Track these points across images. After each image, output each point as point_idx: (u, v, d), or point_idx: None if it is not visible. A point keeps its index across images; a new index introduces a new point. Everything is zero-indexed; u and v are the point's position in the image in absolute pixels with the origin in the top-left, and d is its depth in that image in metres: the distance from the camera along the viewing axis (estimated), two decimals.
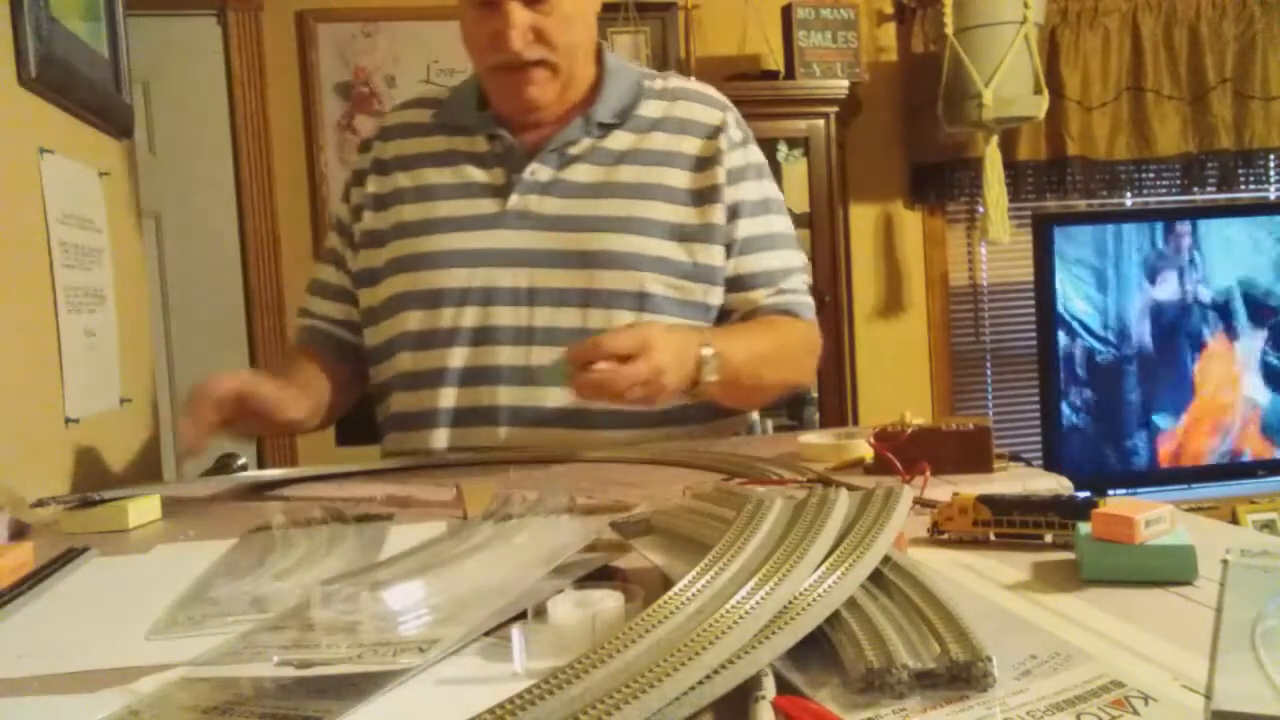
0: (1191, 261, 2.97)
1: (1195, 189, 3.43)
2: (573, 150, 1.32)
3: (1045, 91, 2.91)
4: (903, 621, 0.49)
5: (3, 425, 1.09)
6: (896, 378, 3.38)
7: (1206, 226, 2.99)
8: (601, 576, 0.63)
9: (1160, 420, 2.99)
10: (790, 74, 2.98)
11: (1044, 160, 3.34)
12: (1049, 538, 0.68)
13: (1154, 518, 0.61)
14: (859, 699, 0.44)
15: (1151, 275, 2.96)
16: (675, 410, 1.28)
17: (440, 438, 1.30)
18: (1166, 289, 2.97)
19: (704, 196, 1.32)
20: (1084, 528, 0.63)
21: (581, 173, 1.32)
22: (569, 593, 0.56)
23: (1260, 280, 3.00)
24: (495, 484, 0.99)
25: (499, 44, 1.24)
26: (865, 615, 0.49)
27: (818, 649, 0.48)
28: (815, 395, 2.94)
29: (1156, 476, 3.00)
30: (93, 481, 1.31)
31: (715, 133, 1.35)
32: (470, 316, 1.29)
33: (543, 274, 1.28)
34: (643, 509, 0.77)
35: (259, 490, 1.14)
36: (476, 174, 1.34)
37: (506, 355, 1.28)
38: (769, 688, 0.44)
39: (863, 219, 3.39)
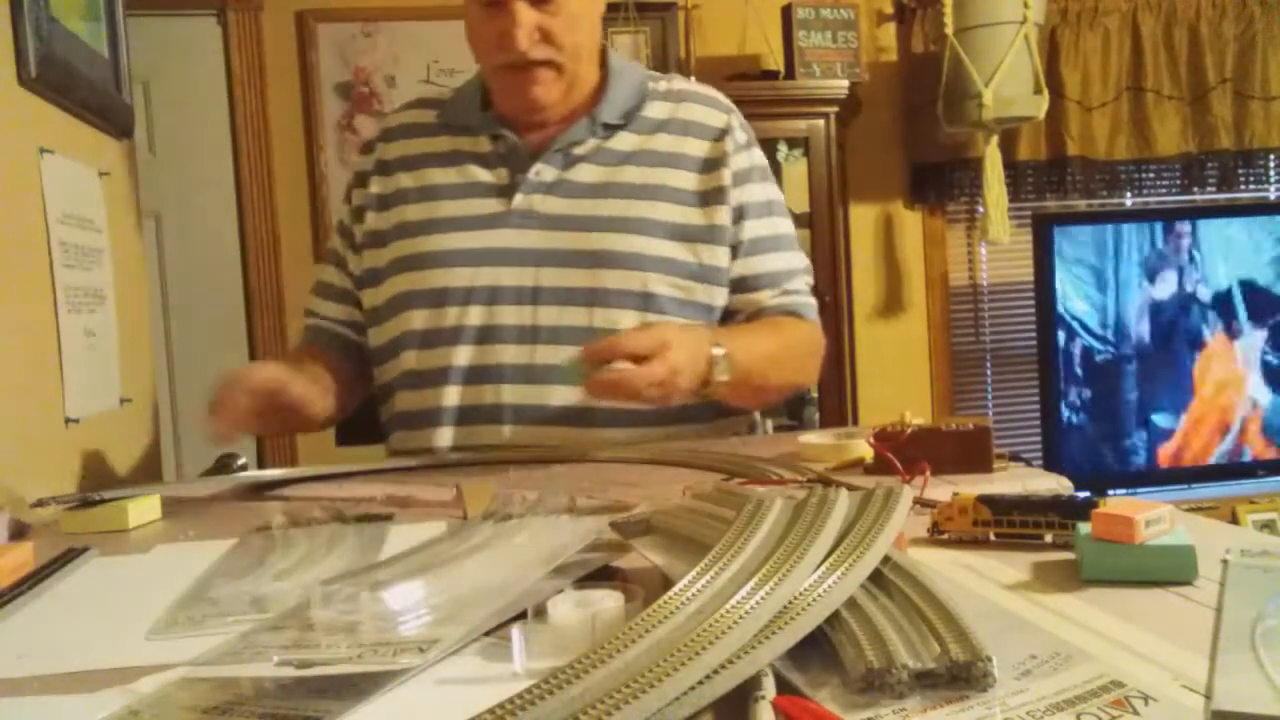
0: (1191, 261, 2.97)
1: (1195, 189, 3.43)
2: (577, 150, 1.33)
3: (1045, 91, 2.91)
4: (903, 621, 0.49)
5: (3, 425, 1.09)
6: (896, 378, 3.38)
7: (1206, 226, 2.99)
8: (601, 576, 0.63)
9: (1160, 420, 2.99)
10: (790, 74, 2.98)
11: (1044, 160, 3.34)
12: (1049, 538, 0.68)
13: (1154, 518, 0.61)
14: (859, 699, 0.44)
15: (1151, 275, 2.96)
16: (679, 409, 1.28)
17: (444, 436, 1.30)
18: (1166, 289, 2.97)
19: (709, 198, 1.33)
20: (1084, 528, 0.63)
21: (586, 173, 1.32)
22: (569, 593, 0.56)
23: (1260, 280, 3.00)
24: (495, 484, 0.99)
25: (505, 44, 1.25)
26: (865, 615, 0.49)
27: (818, 649, 0.48)
28: (815, 395, 2.94)
29: (1156, 476, 3.00)
30: (93, 481, 1.31)
31: (721, 135, 1.36)
32: (475, 315, 1.29)
33: (547, 273, 1.28)
34: (643, 509, 0.77)
35: (259, 490, 1.14)
36: (480, 174, 1.34)
37: (511, 354, 1.28)
38: (769, 688, 0.44)
39: (863, 219, 3.39)
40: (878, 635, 0.46)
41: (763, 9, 3.12)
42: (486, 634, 0.55)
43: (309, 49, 3.05)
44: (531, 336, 1.28)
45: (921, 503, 0.80)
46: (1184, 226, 2.97)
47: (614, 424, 1.28)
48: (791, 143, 2.97)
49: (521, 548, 0.69)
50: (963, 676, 0.44)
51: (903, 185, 3.41)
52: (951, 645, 0.45)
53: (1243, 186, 3.46)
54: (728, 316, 1.37)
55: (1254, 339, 3.01)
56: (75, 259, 1.32)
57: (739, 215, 1.34)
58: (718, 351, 1.18)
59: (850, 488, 0.65)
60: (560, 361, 1.23)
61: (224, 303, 3.02)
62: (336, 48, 3.06)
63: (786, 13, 2.99)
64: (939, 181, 3.35)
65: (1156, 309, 2.96)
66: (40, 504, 0.98)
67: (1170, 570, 0.59)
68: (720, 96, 1.42)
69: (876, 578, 0.53)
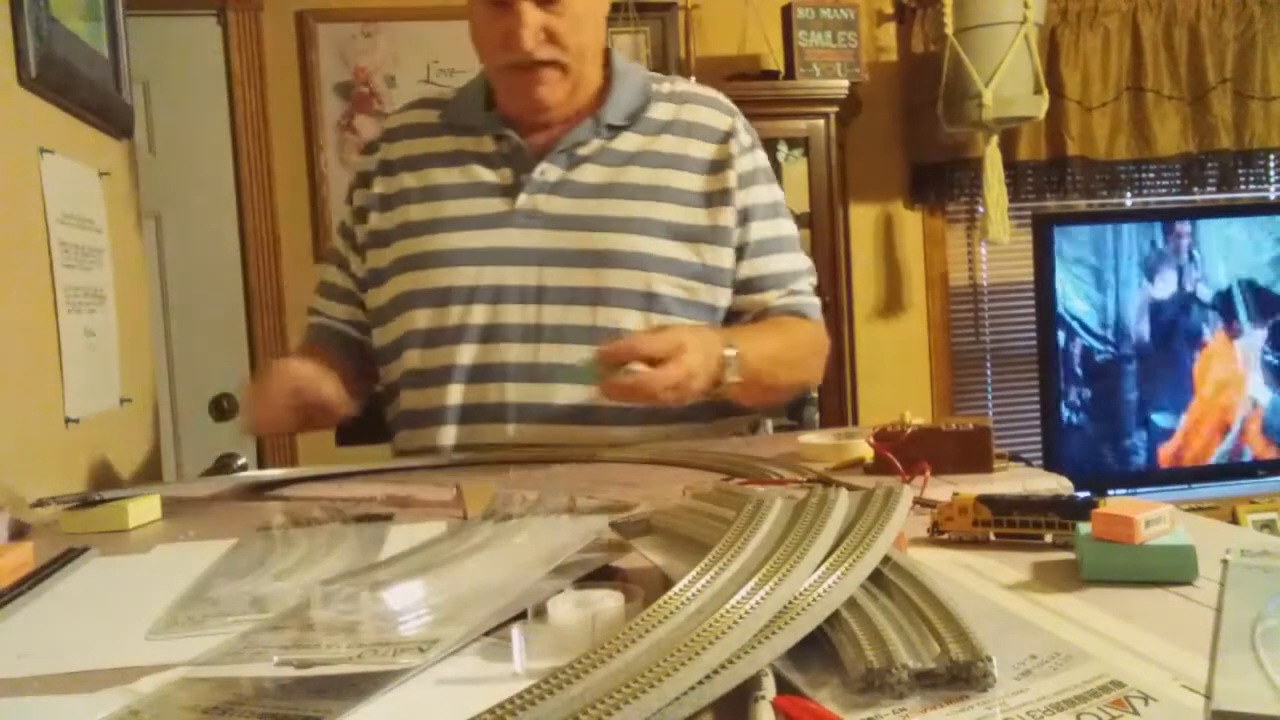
0: (1191, 261, 2.97)
1: (1195, 189, 3.43)
2: (581, 151, 1.33)
3: (1045, 91, 2.91)
4: (903, 621, 0.49)
5: (3, 425, 1.09)
6: (896, 378, 3.38)
7: (1206, 226, 2.99)
8: (601, 576, 0.63)
9: (1160, 420, 2.99)
10: (790, 74, 2.98)
11: (1044, 160, 3.33)
12: (1049, 538, 0.68)
13: (1154, 518, 0.61)
14: (859, 699, 0.44)
15: (1151, 275, 2.96)
16: (684, 408, 1.29)
17: (448, 435, 1.31)
18: (1166, 289, 2.97)
19: (713, 199, 1.34)
20: (1084, 528, 0.63)
21: (590, 173, 1.33)
22: (569, 593, 0.56)
23: (1260, 280, 3.00)
24: (495, 484, 0.99)
25: (511, 43, 1.25)
26: (865, 615, 0.49)
27: (818, 649, 0.48)
28: (815, 395, 2.94)
29: (1156, 476, 3.00)
30: (93, 481, 1.31)
31: (726, 138, 1.36)
32: (479, 314, 1.30)
33: (551, 272, 1.29)
34: (643, 509, 0.78)
35: (259, 490, 1.14)
36: (484, 174, 1.34)
37: (515, 353, 1.29)
38: (769, 688, 0.44)
39: (863, 219, 3.39)
40: (878, 635, 0.46)
41: (763, 9, 3.12)
42: (486, 634, 0.55)
43: (309, 49, 3.05)
44: (535, 335, 1.29)
45: (921, 503, 0.80)
46: (1184, 226, 2.97)
47: (617, 422, 1.28)
48: (791, 143, 2.97)
49: (521, 548, 0.69)
50: (963, 676, 0.44)
51: (903, 185, 3.41)
52: (951, 645, 0.45)
53: (1243, 186, 3.46)
54: (732, 317, 1.38)
55: (1254, 339, 3.01)
56: (75, 259, 1.32)
57: (745, 217, 1.35)
58: (729, 352, 1.20)
59: (850, 488, 0.65)
60: (575, 362, 1.24)
61: (224, 303, 3.02)
62: (336, 48, 3.06)
63: (786, 13, 2.98)
64: (939, 181, 3.35)
65: (1156, 309, 2.96)
66: (40, 504, 0.98)
67: (1170, 570, 0.59)
68: (723, 98, 1.43)
69: (876, 578, 0.53)
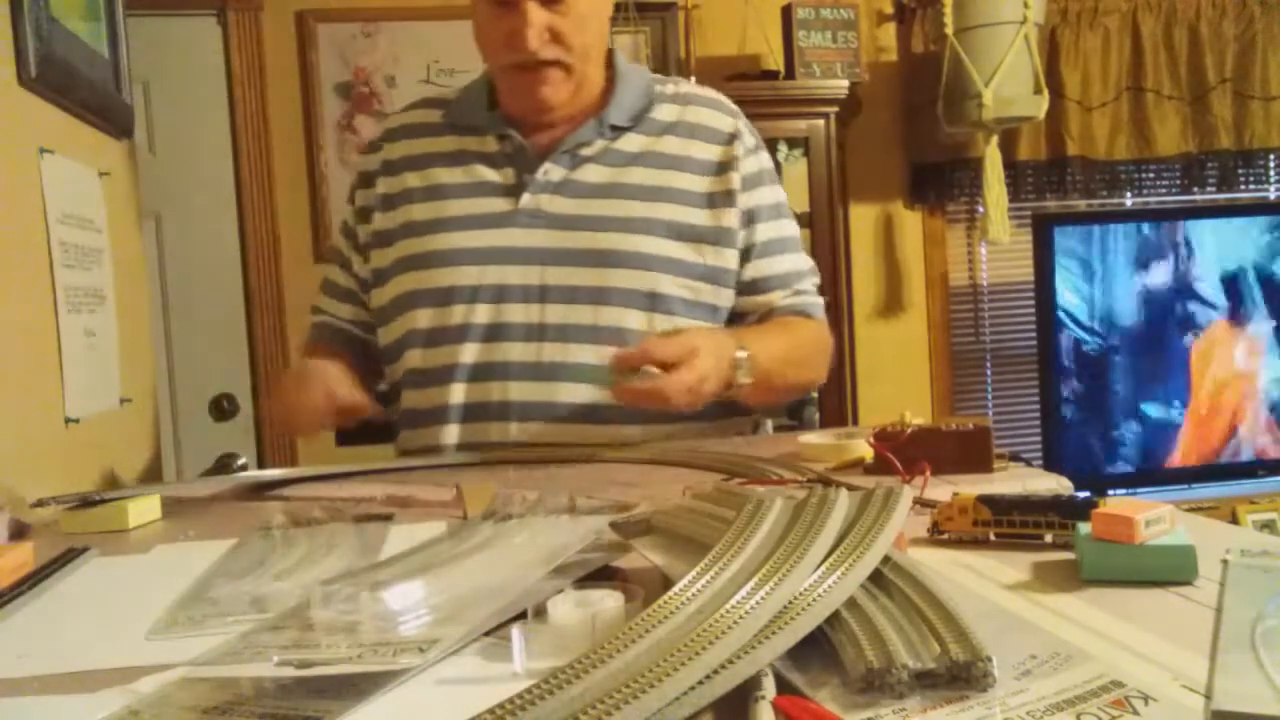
0: (1190, 261, 2.97)
1: (1195, 189, 3.43)
2: (585, 151, 1.34)
3: (1045, 91, 2.91)
4: (903, 621, 0.48)
5: (3, 425, 1.09)
6: (896, 378, 3.38)
7: (1206, 227, 2.99)
8: (601, 576, 0.63)
9: (1160, 420, 2.99)
10: (790, 74, 2.98)
11: (1044, 160, 3.33)
12: (1049, 538, 0.68)
13: (1154, 518, 0.61)
14: (859, 699, 0.44)
15: (1150, 275, 2.95)
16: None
17: (451, 434, 1.31)
18: (1166, 289, 2.97)
19: (717, 200, 1.35)
20: (1084, 528, 0.63)
21: (593, 173, 1.33)
22: (569, 593, 0.56)
23: (1260, 280, 3.00)
24: (495, 484, 0.99)
25: (515, 43, 1.25)
26: (865, 615, 0.49)
27: (818, 649, 0.48)
28: (815, 395, 2.94)
29: (1156, 476, 3.00)
30: (93, 481, 1.31)
31: (730, 139, 1.37)
32: (482, 313, 1.30)
33: (555, 271, 1.29)
34: (643, 509, 0.78)
35: (259, 490, 1.14)
36: (487, 173, 1.35)
37: (518, 351, 1.29)
38: (769, 688, 0.44)
39: (863, 219, 3.39)
40: (878, 635, 0.46)
41: (763, 9, 3.12)
42: (486, 634, 0.55)
43: (309, 49, 3.05)
44: (539, 334, 1.29)
45: (921, 503, 0.80)
46: (1183, 227, 2.97)
47: (620, 421, 1.28)
48: (791, 143, 2.97)
49: (521, 548, 0.69)
50: (963, 676, 0.44)
51: (903, 185, 3.41)
52: (951, 645, 0.45)
53: (1243, 186, 3.46)
54: (737, 318, 1.39)
55: (1255, 339, 3.01)
56: (75, 259, 1.32)
57: (751, 219, 1.36)
58: (741, 354, 1.21)
59: (850, 488, 0.65)
60: (578, 360, 1.27)
61: (224, 303, 3.02)
62: (336, 48, 3.06)
63: (786, 13, 2.98)
64: (939, 181, 3.35)
65: (1156, 309, 2.96)
66: (40, 504, 0.98)
67: (1170, 570, 0.59)
68: (726, 100, 1.44)
69: (876, 578, 0.53)
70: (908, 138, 3.38)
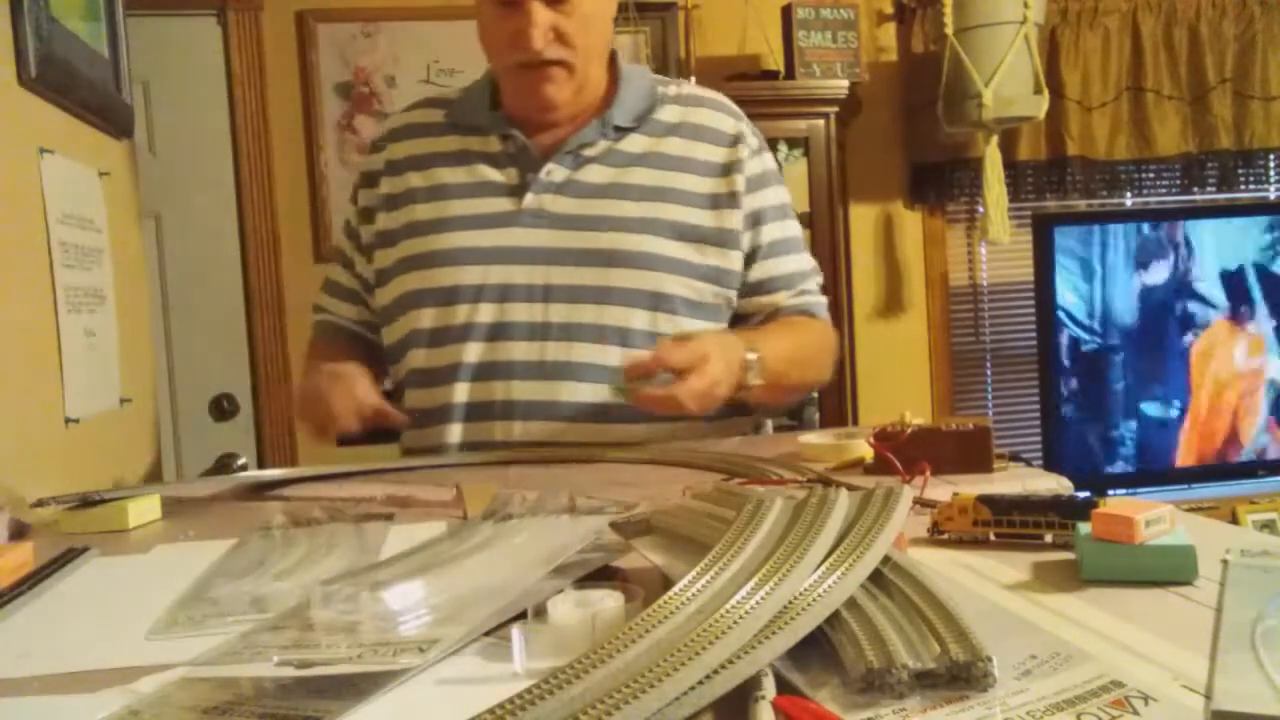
0: (1190, 261, 2.97)
1: (1195, 189, 3.43)
2: (588, 152, 1.34)
3: (1045, 91, 2.90)
4: (903, 621, 0.48)
5: (3, 425, 1.09)
6: (896, 378, 3.38)
7: (1206, 226, 2.99)
8: (601, 576, 0.63)
9: (1161, 420, 2.99)
10: (790, 74, 2.97)
11: (1044, 160, 3.33)
12: (1049, 538, 0.68)
13: (1154, 518, 0.61)
14: (859, 699, 0.44)
15: (1151, 275, 2.95)
16: None
17: (454, 432, 1.32)
18: (1166, 289, 2.97)
19: (720, 202, 1.35)
20: (1084, 528, 0.63)
21: (596, 174, 1.34)
22: (569, 593, 0.56)
23: (1261, 280, 3.00)
24: (495, 484, 0.99)
25: (520, 42, 1.26)
26: (865, 615, 0.49)
27: (818, 649, 0.48)
28: (815, 395, 2.94)
29: (1156, 476, 3.00)
30: (93, 481, 1.31)
31: (734, 141, 1.38)
32: (486, 312, 1.30)
33: (558, 271, 1.30)
34: (643, 509, 0.78)
35: (259, 490, 1.14)
36: (490, 173, 1.35)
37: (521, 350, 1.29)
38: (769, 688, 0.44)
39: (863, 219, 3.38)
40: (878, 635, 0.46)
41: (763, 9, 3.12)
42: (486, 634, 0.55)
43: (309, 49, 3.05)
44: (542, 333, 1.29)
45: (921, 503, 0.80)
46: (1183, 226, 2.97)
47: (623, 420, 1.29)
48: (791, 143, 2.97)
49: (521, 548, 0.69)
50: (963, 676, 0.44)
51: (903, 185, 3.41)
52: (951, 645, 0.45)
53: (1243, 186, 3.45)
54: (742, 318, 1.40)
55: (1255, 339, 3.01)
56: (75, 259, 1.32)
57: (756, 220, 1.37)
58: (751, 356, 1.22)
59: (850, 488, 0.65)
60: (581, 360, 1.28)
61: (224, 303, 3.02)
62: (336, 48, 3.06)
63: (786, 13, 2.98)
64: (939, 181, 3.35)
65: (1156, 309, 2.96)
66: (40, 504, 0.98)
67: (1170, 570, 0.59)
68: (729, 102, 1.44)
69: (876, 578, 0.53)
70: (908, 138, 3.38)
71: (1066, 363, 2.92)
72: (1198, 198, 3.43)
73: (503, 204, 1.33)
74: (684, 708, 0.41)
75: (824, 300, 1.45)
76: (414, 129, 1.42)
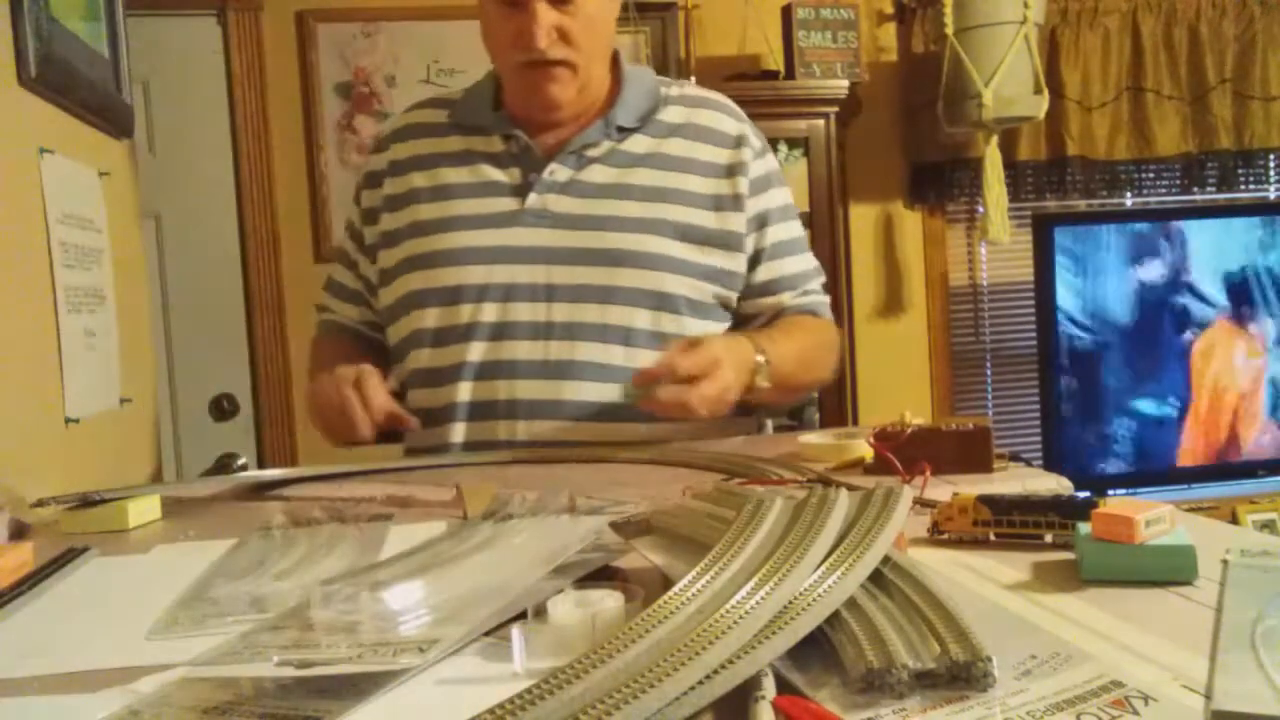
0: (1190, 261, 2.97)
1: (1195, 189, 3.43)
2: (591, 152, 1.34)
3: (1045, 91, 2.90)
4: (903, 621, 0.48)
5: (3, 425, 1.09)
6: (896, 378, 3.38)
7: (1205, 227, 2.99)
8: (601, 576, 0.63)
9: (1161, 420, 2.99)
10: (790, 74, 2.97)
11: (1044, 160, 3.33)
12: (1049, 538, 0.68)
13: (1154, 518, 0.61)
14: (859, 699, 0.44)
15: (1150, 275, 2.95)
16: None
17: (458, 432, 1.32)
18: (1166, 289, 2.97)
19: (723, 203, 1.35)
20: (1084, 528, 0.63)
21: (598, 174, 1.34)
22: (569, 593, 0.56)
23: (1260, 280, 3.00)
24: (495, 484, 0.99)
25: (524, 42, 1.26)
26: (865, 615, 0.49)
27: (818, 649, 0.48)
28: (815, 395, 2.94)
29: (1156, 476, 3.00)
30: (93, 481, 1.30)
31: (738, 143, 1.38)
32: (489, 312, 1.31)
33: (561, 271, 1.30)
34: (643, 509, 0.77)
35: (259, 490, 1.14)
36: (494, 173, 1.35)
37: (525, 350, 1.30)
38: (769, 688, 0.44)
39: (863, 219, 3.38)
40: (878, 635, 0.46)
41: (763, 9, 3.12)
42: (486, 634, 0.55)
43: (309, 49, 3.05)
44: (545, 333, 1.30)
45: (921, 503, 0.80)
46: (1183, 226, 2.97)
47: (628, 419, 1.29)
48: (791, 143, 2.97)
49: (521, 548, 0.69)
50: (963, 676, 0.44)
51: (903, 185, 3.41)
52: (951, 645, 0.45)
53: (1243, 186, 3.45)
54: (746, 319, 1.40)
55: (1255, 339, 3.01)
56: (75, 259, 1.32)
57: (761, 222, 1.38)
58: (760, 359, 1.23)
59: (850, 488, 0.65)
60: (585, 359, 1.29)
61: (224, 303, 3.02)
62: (336, 48, 3.06)
63: (786, 13, 2.98)
64: (939, 181, 3.35)
65: (1156, 309, 2.96)
66: (40, 504, 0.98)
67: (1170, 570, 0.59)
68: (731, 103, 1.45)
69: (876, 578, 0.53)
70: (908, 138, 3.38)
71: (1066, 363, 2.92)
72: (1198, 198, 3.43)
73: (506, 204, 1.33)
74: (684, 708, 0.41)
75: (827, 300, 1.46)
76: (417, 129, 1.42)
